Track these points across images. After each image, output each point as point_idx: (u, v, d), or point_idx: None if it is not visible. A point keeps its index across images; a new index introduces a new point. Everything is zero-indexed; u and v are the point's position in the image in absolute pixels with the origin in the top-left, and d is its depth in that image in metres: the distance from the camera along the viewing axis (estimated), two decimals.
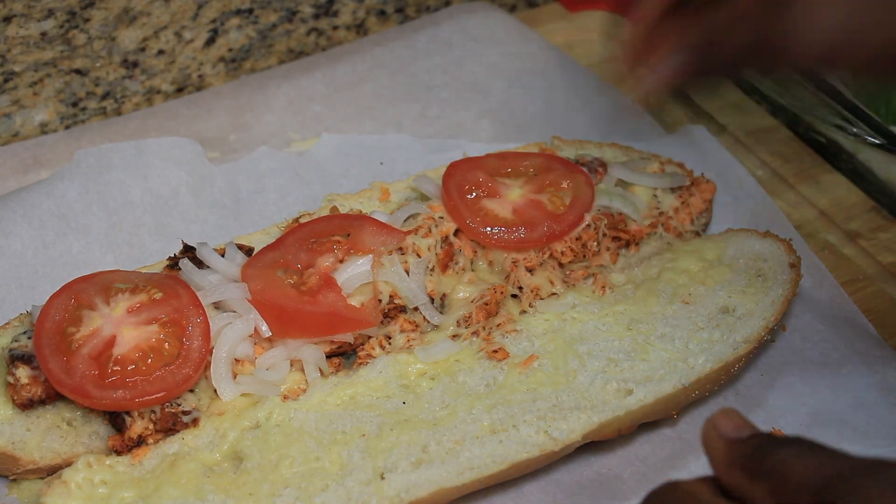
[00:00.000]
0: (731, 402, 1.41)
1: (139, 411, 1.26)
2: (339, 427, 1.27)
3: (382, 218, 1.43)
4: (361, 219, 1.42)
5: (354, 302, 1.35)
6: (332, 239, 1.38)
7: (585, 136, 1.69)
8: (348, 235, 1.39)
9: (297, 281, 1.34)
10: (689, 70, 1.27)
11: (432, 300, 1.38)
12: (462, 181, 1.46)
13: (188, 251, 1.40)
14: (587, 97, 1.81)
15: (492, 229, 1.43)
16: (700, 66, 1.27)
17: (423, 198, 1.51)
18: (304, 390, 1.31)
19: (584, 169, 1.52)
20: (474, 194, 1.47)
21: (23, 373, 1.27)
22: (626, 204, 1.51)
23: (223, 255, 1.38)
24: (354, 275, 1.36)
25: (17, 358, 1.28)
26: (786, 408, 1.41)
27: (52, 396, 1.27)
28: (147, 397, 1.24)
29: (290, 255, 1.36)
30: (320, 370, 1.33)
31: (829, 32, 1.15)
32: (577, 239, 1.45)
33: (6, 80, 1.66)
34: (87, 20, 1.66)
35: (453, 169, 1.47)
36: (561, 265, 1.45)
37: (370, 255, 1.37)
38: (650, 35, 1.27)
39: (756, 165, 1.74)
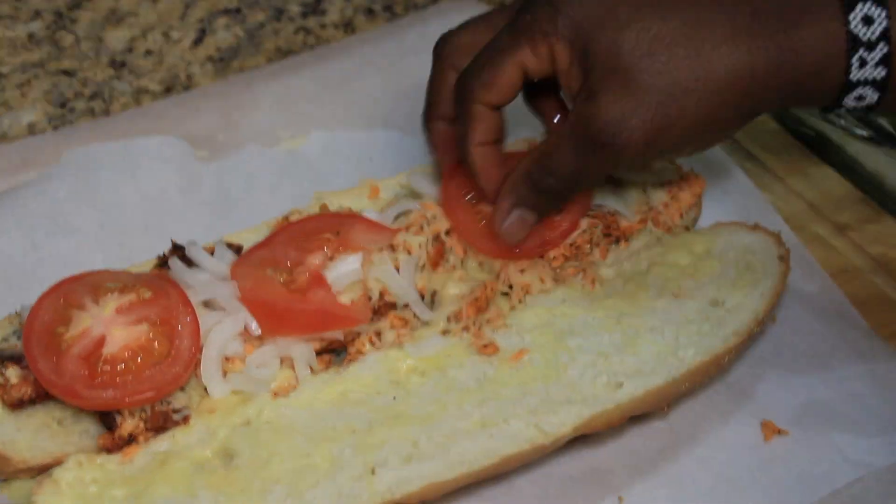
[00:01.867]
0: (721, 394, 1.42)
1: (129, 410, 1.26)
2: (330, 423, 1.27)
3: (373, 215, 1.43)
4: (351, 217, 1.42)
5: (344, 299, 1.35)
6: (321, 237, 1.38)
7: None
8: (338, 233, 1.39)
9: (287, 279, 1.35)
10: (536, 213, 1.32)
11: (422, 297, 1.39)
12: (462, 184, 1.45)
13: (177, 250, 1.40)
14: None
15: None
16: (546, 203, 1.32)
17: (414, 194, 1.51)
18: (295, 387, 1.31)
19: None
20: (474, 198, 1.46)
21: (12, 373, 1.27)
22: (617, 201, 1.52)
23: (213, 254, 1.38)
24: (344, 273, 1.36)
25: (6, 358, 1.28)
26: (777, 399, 1.41)
27: (42, 396, 1.28)
28: (137, 396, 1.25)
29: (280, 254, 1.36)
30: (310, 367, 1.33)
31: (643, 122, 1.19)
32: (570, 245, 1.45)
33: None
34: (75, 21, 1.67)
35: (454, 171, 1.46)
36: (553, 268, 1.45)
37: (360, 253, 1.37)
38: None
39: (744, 159, 1.74)
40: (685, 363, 1.35)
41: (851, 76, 1.18)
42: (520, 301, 1.41)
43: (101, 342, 1.27)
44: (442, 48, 1.37)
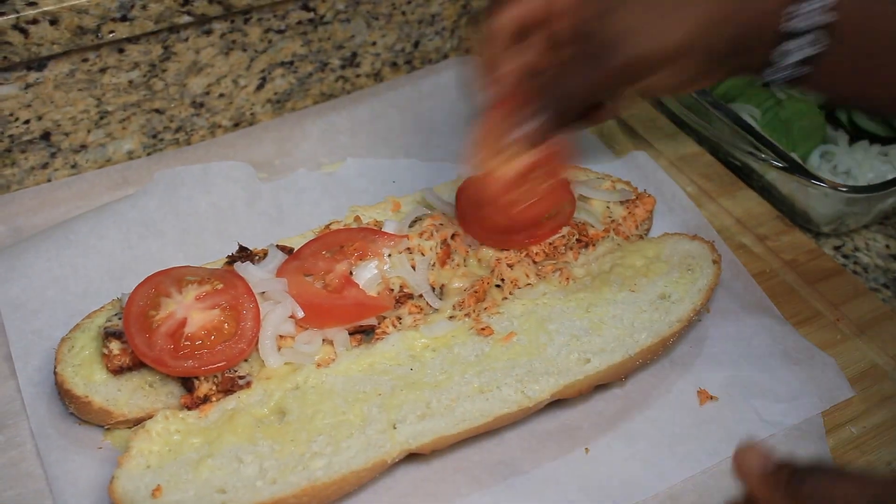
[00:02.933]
0: (666, 367, 1.41)
1: (205, 376, 1.26)
2: (361, 388, 1.27)
3: (393, 224, 1.42)
4: (366, 231, 1.41)
5: (372, 293, 1.34)
6: (344, 249, 1.37)
7: None
8: (356, 245, 1.37)
9: (323, 283, 1.34)
10: (551, 126, 1.20)
11: (433, 289, 1.38)
12: (473, 194, 1.44)
13: (243, 251, 1.39)
14: None
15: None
16: (559, 119, 1.20)
17: (428, 207, 1.51)
18: (333, 360, 1.31)
19: None
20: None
21: (115, 346, 1.27)
22: (588, 214, 1.51)
23: (266, 255, 1.38)
24: (368, 274, 1.36)
25: (110, 334, 1.28)
26: (709, 372, 1.41)
27: (137, 364, 1.28)
28: (211, 366, 1.25)
29: (310, 264, 1.35)
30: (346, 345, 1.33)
31: (656, 41, 1.13)
32: (549, 244, 1.45)
33: (101, 118, 1.66)
34: (165, 71, 1.66)
35: (467, 183, 1.46)
36: (535, 262, 1.45)
37: (377, 259, 1.36)
38: (507, 107, 1.22)
39: (686, 183, 1.73)
40: (639, 343, 1.35)
41: (783, 27, 1.10)
42: (510, 293, 1.41)
43: (183, 323, 1.27)
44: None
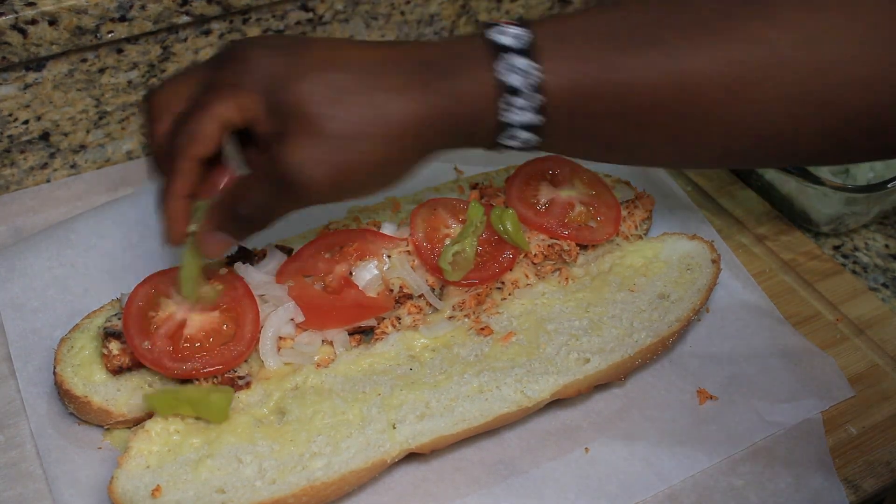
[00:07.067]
0: (666, 367, 1.41)
1: (204, 378, 1.26)
2: (361, 388, 1.27)
3: (388, 229, 1.41)
4: (366, 231, 1.41)
5: (371, 294, 1.34)
6: (343, 249, 1.36)
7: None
8: (355, 246, 1.37)
9: (322, 285, 1.34)
10: (235, 238, 1.14)
11: (433, 290, 1.38)
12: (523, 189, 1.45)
13: (242, 251, 1.39)
14: None
15: None
16: (242, 230, 1.13)
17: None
18: (333, 360, 1.31)
19: None
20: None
21: (114, 346, 1.27)
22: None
23: (265, 255, 1.37)
24: (367, 275, 1.35)
25: (109, 334, 1.28)
26: (709, 372, 1.41)
27: (137, 365, 1.27)
28: (210, 368, 1.24)
29: (309, 265, 1.35)
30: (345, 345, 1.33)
31: (326, 165, 1.02)
32: (549, 246, 1.44)
33: (101, 118, 1.66)
34: (164, 71, 1.66)
35: (509, 183, 1.47)
36: (534, 263, 1.45)
37: (376, 259, 1.36)
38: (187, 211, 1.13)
39: (686, 183, 1.74)
40: (638, 343, 1.35)
41: (502, 118, 1.05)
42: (510, 293, 1.41)
43: (182, 324, 1.27)
44: (151, 102, 1.13)
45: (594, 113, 1.06)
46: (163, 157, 1.13)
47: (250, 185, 1.09)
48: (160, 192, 1.15)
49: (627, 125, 1.07)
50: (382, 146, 1.03)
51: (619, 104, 1.05)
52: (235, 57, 1.08)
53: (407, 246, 1.38)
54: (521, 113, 1.04)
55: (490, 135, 1.08)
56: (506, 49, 1.03)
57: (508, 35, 1.04)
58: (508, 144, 1.09)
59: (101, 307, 1.37)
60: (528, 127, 1.06)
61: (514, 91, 1.03)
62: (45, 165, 1.65)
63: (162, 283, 1.30)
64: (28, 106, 1.57)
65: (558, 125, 1.06)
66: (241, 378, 1.27)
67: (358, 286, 1.33)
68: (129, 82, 1.64)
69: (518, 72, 1.03)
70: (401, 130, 1.03)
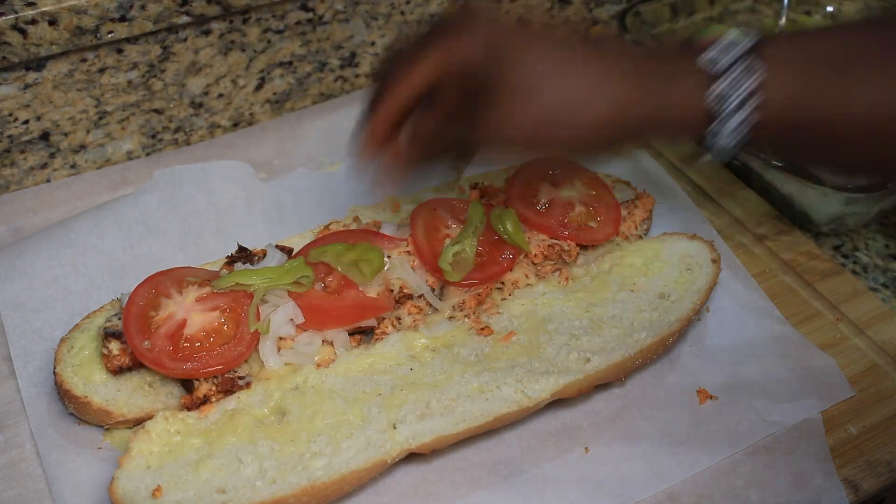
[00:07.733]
0: (666, 367, 1.41)
1: (204, 378, 1.26)
2: (361, 388, 1.27)
3: (388, 229, 1.41)
4: (366, 231, 1.41)
5: (371, 294, 1.34)
6: None
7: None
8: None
9: (323, 285, 1.34)
10: (419, 157, 1.21)
11: (433, 290, 1.38)
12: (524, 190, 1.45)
13: (242, 251, 1.39)
14: None
15: None
16: (427, 153, 1.21)
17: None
18: (333, 360, 1.31)
19: None
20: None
21: (114, 346, 1.27)
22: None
23: (265, 255, 1.38)
24: None
25: (109, 334, 1.28)
26: (709, 372, 1.41)
27: (137, 365, 1.28)
28: (210, 368, 1.24)
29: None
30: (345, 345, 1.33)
31: (529, 124, 1.10)
32: (550, 246, 1.45)
33: (100, 118, 1.66)
34: (163, 71, 1.66)
35: (510, 184, 1.46)
36: (534, 263, 1.45)
37: None
38: (387, 132, 1.21)
39: (686, 183, 1.74)
40: (639, 343, 1.35)
41: (709, 141, 1.13)
42: (510, 294, 1.41)
43: (182, 324, 1.27)
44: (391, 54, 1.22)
45: (800, 136, 1.11)
46: (381, 83, 1.20)
47: (444, 112, 1.15)
48: (364, 118, 1.22)
49: (830, 146, 1.12)
50: (586, 119, 1.10)
51: (828, 130, 1.09)
52: (464, 20, 1.15)
53: (407, 246, 1.38)
54: (729, 136, 1.10)
55: (692, 139, 1.14)
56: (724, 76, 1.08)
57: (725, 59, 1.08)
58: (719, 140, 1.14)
59: (101, 307, 1.37)
60: (732, 146, 1.12)
61: (725, 118, 1.09)
62: (45, 165, 1.65)
63: (162, 283, 1.30)
64: (28, 106, 1.57)
65: (760, 141, 1.11)
66: (241, 378, 1.27)
67: (358, 286, 1.33)
68: (129, 82, 1.64)
69: (728, 98, 1.08)
70: (605, 113, 1.10)
